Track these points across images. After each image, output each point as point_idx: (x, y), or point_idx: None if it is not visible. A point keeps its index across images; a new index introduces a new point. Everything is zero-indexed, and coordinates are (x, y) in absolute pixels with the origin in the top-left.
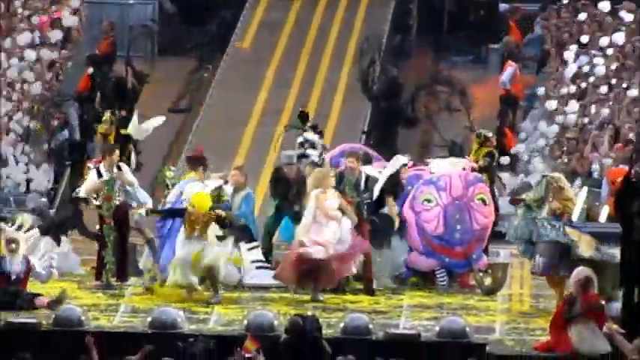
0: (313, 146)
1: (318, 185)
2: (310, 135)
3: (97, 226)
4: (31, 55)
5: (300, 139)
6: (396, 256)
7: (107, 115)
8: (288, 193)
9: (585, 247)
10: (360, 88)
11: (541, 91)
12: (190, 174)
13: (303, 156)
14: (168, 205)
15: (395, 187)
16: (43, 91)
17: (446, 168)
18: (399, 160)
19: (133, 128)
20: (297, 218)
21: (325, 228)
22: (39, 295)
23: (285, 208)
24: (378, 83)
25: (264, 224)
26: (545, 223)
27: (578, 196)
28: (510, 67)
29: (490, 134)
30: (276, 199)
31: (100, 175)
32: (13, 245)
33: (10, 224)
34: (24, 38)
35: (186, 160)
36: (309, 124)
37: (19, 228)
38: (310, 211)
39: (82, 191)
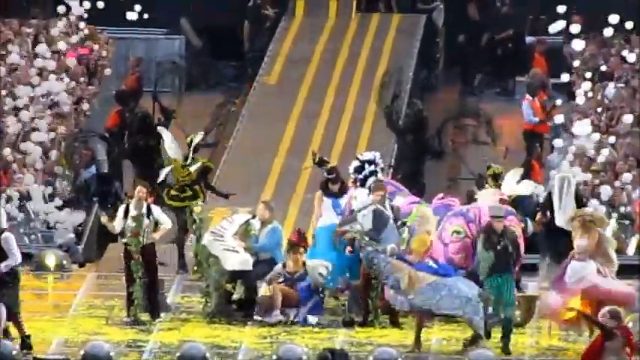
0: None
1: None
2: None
3: (124, 263)
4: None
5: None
6: None
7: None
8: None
9: (407, 283)
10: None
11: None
12: None
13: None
14: None
15: None
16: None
17: (491, 198)
18: None
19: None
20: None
21: None
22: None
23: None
24: (403, 117)
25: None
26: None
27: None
28: (525, 102)
29: (501, 168)
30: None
31: (127, 211)
32: None
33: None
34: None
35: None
36: (327, 166)
37: None
38: None
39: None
